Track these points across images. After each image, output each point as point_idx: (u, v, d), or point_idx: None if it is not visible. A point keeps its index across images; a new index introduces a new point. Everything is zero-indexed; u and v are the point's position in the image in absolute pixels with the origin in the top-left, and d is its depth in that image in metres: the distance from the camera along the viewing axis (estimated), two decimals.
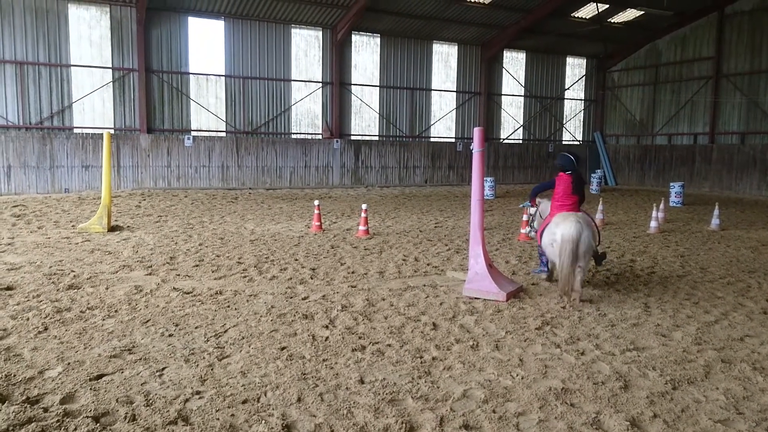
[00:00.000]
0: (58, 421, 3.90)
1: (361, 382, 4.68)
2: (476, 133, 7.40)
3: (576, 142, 31.09)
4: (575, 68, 30.67)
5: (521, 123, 29.41)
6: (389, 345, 5.56)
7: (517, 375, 4.86)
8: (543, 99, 29.80)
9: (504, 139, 29.02)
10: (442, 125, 27.51)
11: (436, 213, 16.40)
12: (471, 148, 7.57)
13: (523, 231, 11.67)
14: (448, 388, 4.59)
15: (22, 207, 15.43)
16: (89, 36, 20.08)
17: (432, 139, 27.17)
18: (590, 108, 31.44)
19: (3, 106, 19.10)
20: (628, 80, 30.29)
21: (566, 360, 5.24)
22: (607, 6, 24.99)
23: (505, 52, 28.23)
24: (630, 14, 26.10)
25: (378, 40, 25.28)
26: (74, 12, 19.75)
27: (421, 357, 5.25)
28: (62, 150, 19.73)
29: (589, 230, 7.14)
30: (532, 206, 8.74)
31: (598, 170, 26.52)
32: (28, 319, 6.06)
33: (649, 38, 28.59)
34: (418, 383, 4.67)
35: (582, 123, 31.47)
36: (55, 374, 4.69)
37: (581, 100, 31.11)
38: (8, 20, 18.81)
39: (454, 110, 27.59)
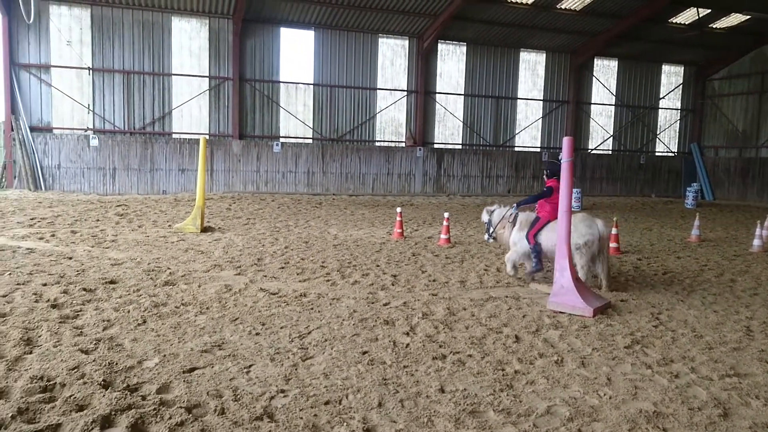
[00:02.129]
0: (154, 409, 4.13)
1: (442, 391, 4.66)
2: (565, 142, 7.21)
3: (670, 154, 29.59)
4: (671, 76, 29.23)
5: (611, 133, 28.33)
6: (470, 355, 5.49)
7: (604, 394, 4.66)
8: (635, 108, 28.58)
9: (592, 150, 28.06)
10: (528, 134, 26.97)
11: None
12: (559, 158, 7.38)
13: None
14: (531, 403, 4.48)
15: (124, 206, 16.50)
16: (189, 46, 21.27)
17: (516, 149, 26.70)
18: (687, 118, 29.83)
19: (111, 112, 20.56)
20: (730, 89, 28.51)
21: (658, 382, 4.98)
22: (709, 11, 23.66)
23: (595, 59, 27.35)
24: (734, 19, 24.59)
25: (464, 48, 25.18)
26: (177, 24, 21.00)
27: (503, 369, 5.15)
28: (161, 154, 20.97)
29: None
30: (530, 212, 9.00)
31: (695, 184, 25.12)
32: (128, 311, 6.46)
33: (755, 44, 26.81)
34: (499, 396, 4.58)
35: (677, 134, 29.91)
36: (152, 365, 4.97)
37: (677, 109, 29.59)
38: (118, 33, 20.27)
39: (540, 119, 26.99)
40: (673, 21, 24.70)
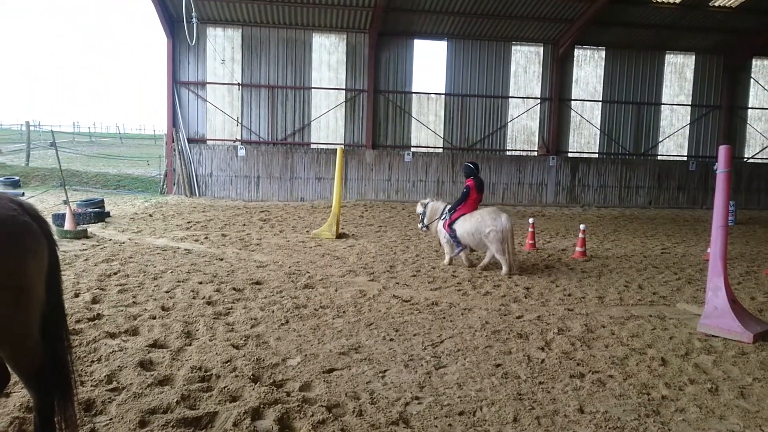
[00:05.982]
0: (298, 405, 4.37)
1: (581, 411, 4.48)
2: (722, 151, 6.65)
3: None
4: None
5: None
6: (611, 376, 5.23)
7: None
8: None
9: (748, 158, 25.52)
10: (672, 142, 25.12)
11: (662, 238, 15.02)
12: (714, 168, 6.83)
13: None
14: None
15: (266, 213, 17.63)
16: (328, 61, 22.31)
17: (659, 157, 24.96)
18: None
19: (257, 124, 22.10)
20: None
21: None
22: None
23: (754, 60, 24.88)
24: None
25: (603, 53, 24.05)
26: (317, 40, 22.13)
27: (648, 394, 4.85)
28: (300, 163, 22.15)
29: None
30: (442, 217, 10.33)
31: None
32: (273, 311, 6.90)
33: None
34: (645, 422, 4.32)
35: None
36: (295, 363, 5.27)
37: None
38: (265, 51, 21.77)
39: (688, 126, 25.03)
40: None
